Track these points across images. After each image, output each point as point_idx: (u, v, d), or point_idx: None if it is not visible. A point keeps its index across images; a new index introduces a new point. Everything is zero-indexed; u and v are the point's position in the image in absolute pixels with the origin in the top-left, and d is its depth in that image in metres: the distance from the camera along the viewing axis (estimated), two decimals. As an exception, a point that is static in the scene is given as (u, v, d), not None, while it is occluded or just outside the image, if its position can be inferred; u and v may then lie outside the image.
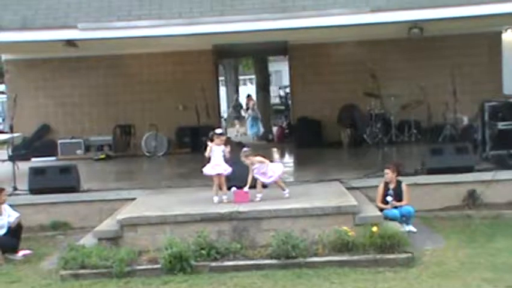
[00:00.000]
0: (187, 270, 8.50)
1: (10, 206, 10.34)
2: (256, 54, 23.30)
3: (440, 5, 11.04)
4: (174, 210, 9.74)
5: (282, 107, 29.15)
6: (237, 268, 8.58)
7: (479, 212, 11.24)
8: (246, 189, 10.03)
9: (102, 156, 17.76)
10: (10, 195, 11.19)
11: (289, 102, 22.81)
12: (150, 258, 8.86)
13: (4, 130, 24.68)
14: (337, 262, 8.56)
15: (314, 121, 18.25)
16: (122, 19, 11.48)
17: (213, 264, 8.65)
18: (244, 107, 29.49)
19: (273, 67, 32.20)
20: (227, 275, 8.43)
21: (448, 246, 9.38)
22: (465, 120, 16.18)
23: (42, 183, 12.05)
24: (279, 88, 35.10)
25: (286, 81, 28.60)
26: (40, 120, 19.06)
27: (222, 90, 30.58)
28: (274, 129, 23.35)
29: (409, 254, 8.65)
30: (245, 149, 10.45)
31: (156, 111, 18.58)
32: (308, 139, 17.76)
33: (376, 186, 10.83)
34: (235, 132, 27.14)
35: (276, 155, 17.60)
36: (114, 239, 9.43)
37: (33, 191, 12.06)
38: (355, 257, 8.62)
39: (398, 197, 10.47)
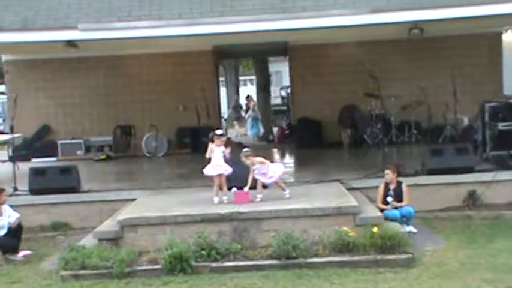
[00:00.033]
0: (187, 271, 8.51)
1: (10, 206, 10.34)
2: (256, 54, 23.29)
3: (441, 5, 11.04)
4: (174, 210, 9.74)
5: (284, 108, 29.14)
6: (237, 269, 8.59)
7: (479, 212, 11.25)
8: (246, 189, 10.03)
9: (103, 156, 17.76)
10: (10, 195, 11.20)
11: (291, 102, 22.78)
12: (150, 259, 8.87)
13: (4, 131, 24.69)
14: (337, 263, 8.57)
15: (314, 122, 18.25)
16: (122, 20, 11.49)
17: (214, 264, 8.65)
18: (244, 107, 29.47)
19: (273, 68, 32.18)
20: (227, 275, 8.43)
21: (448, 247, 9.38)
22: (465, 120, 16.19)
23: (43, 183, 12.05)
24: (281, 89, 35.05)
25: (286, 81, 28.61)
26: (40, 121, 19.06)
27: (223, 91, 30.54)
28: (275, 129, 23.36)
29: (410, 255, 8.65)
30: (245, 149, 10.46)
31: (157, 112, 18.58)
32: (308, 140, 17.76)
33: (377, 187, 10.83)
34: (235, 133, 27.13)
35: (276, 156, 17.60)
36: (114, 240, 9.44)
37: (33, 191, 12.06)
38: (356, 258, 8.63)
39: (398, 197, 10.47)
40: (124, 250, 8.96)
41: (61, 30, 11.44)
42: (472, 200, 11.68)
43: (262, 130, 24.09)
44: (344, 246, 8.79)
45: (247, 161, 10.07)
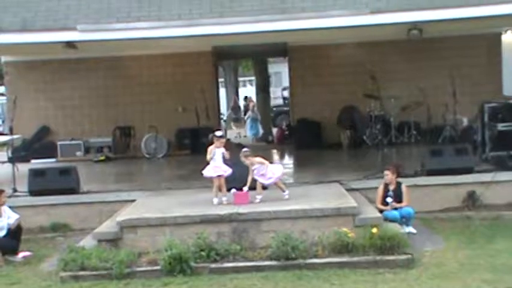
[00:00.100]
0: (187, 272, 8.51)
1: (10, 207, 10.33)
2: (255, 55, 23.29)
3: (440, 6, 11.04)
4: (173, 211, 9.74)
5: (286, 108, 29.22)
6: (236, 270, 8.59)
7: (478, 213, 11.25)
8: (245, 188, 10.03)
9: (102, 157, 17.76)
10: (10, 196, 11.18)
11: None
12: (149, 260, 8.87)
13: (4, 132, 24.68)
14: (337, 263, 8.57)
15: (314, 122, 18.25)
16: (121, 21, 11.48)
17: (213, 265, 8.65)
18: (242, 108, 29.50)
19: (272, 68, 32.19)
20: (227, 276, 8.43)
21: (447, 248, 9.38)
22: (465, 121, 16.19)
23: (42, 184, 12.05)
24: (283, 89, 35.14)
25: (286, 82, 28.63)
26: (40, 122, 19.06)
27: (222, 92, 30.55)
28: (274, 130, 23.36)
29: (409, 255, 8.66)
30: (245, 149, 10.47)
31: (156, 113, 18.58)
32: (308, 140, 17.76)
33: (376, 188, 10.83)
34: (234, 133, 27.13)
35: (275, 157, 17.60)
36: (113, 241, 9.44)
37: (32, 192, 12.06)
38: (355, 259, 8.63)
39: (398, 198, 10.48)
40: (123, 251, 8.96)
41: (60, 31, 11.43)
42: (472, 200, 11.68)
43: (261, 131, 24.09)
44: (343, 247, 8.80)
45: (247, 161, 10.07)
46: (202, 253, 8.71)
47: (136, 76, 18.79)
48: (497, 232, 10.11)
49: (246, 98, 33.98)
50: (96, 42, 11.98)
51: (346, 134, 17.70)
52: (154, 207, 10.22)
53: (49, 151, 18.09)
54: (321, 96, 18.25)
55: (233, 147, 14.05)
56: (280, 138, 21.20)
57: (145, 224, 9.48)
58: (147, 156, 17.85)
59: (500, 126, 12.89)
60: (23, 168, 13.17)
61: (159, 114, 18.51)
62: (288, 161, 17.41)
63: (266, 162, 10.20)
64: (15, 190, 12.13)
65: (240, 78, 41.05)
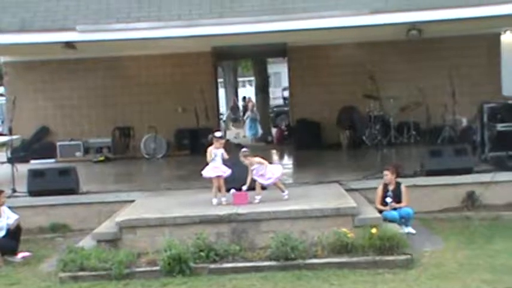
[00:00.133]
0: (186, 272, 8.50)
1: (9, 208, 10.33)
2: (255, 56, 23.31)
3: (439, 6, 11.04)
4: (173, 212, 9.74)
5: (286, 108, 29.28)
6: (236, 270, 8.58)
7: (478, 213, 11.25)
8: (244, 188, 10.03)
9: (101, 158, 17.76)
10: (9, 197, 11.17)
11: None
12: (149, 261, 8.86)
13: (3, 132, 24.68)
14: (336, 264, 8.56)
15: (313, 123, 18.25)
16: (120, 21, 11.47)
17: (212, 266, 8.65)
18: (241, 108, 29.55)
19: (272, 69, 32.23)
20: (226, 277, 8.43)
21: (447, 248, 9.38)
22: (464, 121, 16.20)
23: (41, 185, 12.04)
24: (283, 89, 35.19)
25: (285, 83, 28.65)
26: (39, 123, 19.06)
27: (221, 92, 30.59)
28: (274, 131, 23.36)
29: (408, 256, 8.65)
30: (244, 149, 10.48)
31: (155, 113, 18.59)
32: (307, 141, 17.76)
33: (375, 188, 10.83)
34: (233, 134, 27.15)
35: (275, 157, 17.60)
36: (113, 241, 9.43)
37: (32, 193, 12.05)
38: (354, 259, 8.62)
39: (397, 198, 10.48)
40: (123, 251, 8.95)
41: (59, 31, 11.42)
42: (471, 201, 11.68)
43: (260, 131, 24.09)
44: (343, 247, 8.79)
45: (246, 161, 10.07)
46: (202, 253, 8.70)
47: (135, 76, 18.79)
48: (497, 232, 10.11)
49: (244, 98, 34.03)
50: (95, 43, 11.97)
51: (345, 134, 17.71)
52: (153, 208, 10.21)
53: (48, 151, 18.08)
54: (320, 96, 18.25)
55: (232, 148, 14.04)
56: (280, 139, 21.21)
57: (144, 225, 9.48)
58: (146, 156, 17.85)
59: (500, 127, 12.89)
60: (22, 168, 13.16)
61: (158, 114, 18.52)
62: (288, 161, 17.40)
63: (265, 162, 10.19)
64: (14, 190, 12.13)
65: (240, 79, 41.10)
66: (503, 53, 17.68)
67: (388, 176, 10.61)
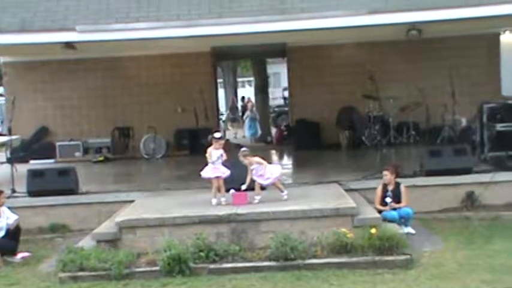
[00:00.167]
0: (186, 273, 8.50)
1: (9, 208, 10.32)
2: (254, 56, 23.28)
3: (439, 6, 11.04)
4: (172, 212, 9.74)
5: (286, 108, 29.34)
6: (235, 270, 8.58)
7: (477, 213, 11.25)
8: (243, 187, 10.03)
9: (101, 158, 17.75)
10: (8, 197, 11.17)
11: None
12: (148, 261, 8.86)
13: (2, 132, 24.65)
14: (335, 264, 8.56)
15: (313, 123, 18.25)
16: (120, 21, 11.47)
17: (212, 266, 8.64)
18: (240, 109, 29.57)
19: (271, 69, 32.23)
20: (226, 277, 8.42)
21: (446, 248, 9.38)
22: (463, 121, 16.20)
23: (41, 185, 12.04)
24: (283, 89, 35.24)
25: (284, 83, 28.66)
26: (38, 123, 19.06)
27: (221, 93, 30.59)
28: (273, 131, 23.36)
29: (408, 256, 8.65)
30: (243, 148, 10.49)
31: (155, 114, 18.59)
32: (306, 141, 17.76)
33: (375, 188, 10.83)
34: (232, 134, 27.17)
35: (274, 157, 17.60)
36: (112, 241, 9.43)
37: (31, 193, 12.05)
38: (354, 259, 8.62)
39: (397, 198, 10.48)
40: (122, 252, 8.95)
41: (59, 31, 11.43)
42: (470, 201, 11.69)
43: (259, 131, 24.10)
44: (342, 248, 8.79)
45: (245, 161, 10.07)
46: (201, 254, 8.70)
47: (135, 77, 18.79)
48: (496, 232, 10.11)
49: (243, 98, 34.05)
50: (95, 43, 11.98)
51: (345, 135, 17.70)
52: (153, 208, 10.21)
53: (48, 152, 18.08)
54: (319, 96, 18.25)
55: (232, 148, 14.04)
56: (279, 139, 21.20)
57: (144, 225, 9.48)
58: (145, 156, 17.85)
59: (499, 127, 12.89)
60: (22, 168, 13.16)
61: (157, 114, 18.52)
62: (287, 161, 17.40)
63: (264, 162, 10.19)
64: (14, 191, 12.12)
65: (239, 79, 41.09)
66: (503, 53, 17.68)
67: (388, 176, 10.61)
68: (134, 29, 11.36)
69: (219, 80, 28.43)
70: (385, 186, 10.63)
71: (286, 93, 33.04)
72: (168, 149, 18.16)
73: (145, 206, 10.56)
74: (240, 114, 29.52)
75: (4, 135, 19.43)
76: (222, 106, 30.69)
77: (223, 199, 10.06)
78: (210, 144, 10.19)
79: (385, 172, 10.68)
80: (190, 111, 17.87)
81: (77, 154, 18.19)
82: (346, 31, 12.05)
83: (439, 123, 16.47)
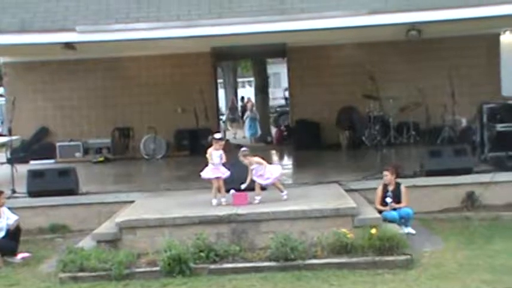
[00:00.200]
0: (186, 273, 8.50)
1: (9, 208, 10.31)
2: (254, 56, 23.29)
3: (438, 7, 11.04)
4: (172, 212, 9.74)
5: (288, 109, 29.37)
6: (236, 270, 8.58)
7: (477, 213, 11.25)
8: (243, 186, 10.03)
9: (101, 159, 17.75)
10: (9, 198, 11.17)
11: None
12: (149, 261, 8.86)
13: (3, 133, 24.65)
14: (336, 264, 8.56)
15: (313, 123, 18.26)
16: (120, 22, 11.47)
17: (212, 266, 8.64)
18: (239, 109, 29.54)
19: (271, 69, 32.25)
20: (226, 277, 8.42)
21: (446, 248, 9.38)
22: (463, 122, 16.20)
23: (41, 186, 12.04)
24: (285, 90, 35.28)
25: (284, 83, 28.65)
26: (39, 123, 19.05)
27: (221, 93, 30.59)
28: (273, 131, 23.36)
29: (408, 256, 8.65)
30: (243, 148, 10.49)
31: (155, 114, 18.59)
32: (307, 141, 17.77)
33: (375, 188, 10.83)
34: (232, 134, 27.17)
35: (274, 157, 17.60)
36: (113, 242, 9.43)
37: (31, 193, 12.05)
38: (354, 259, 8.62)
39: (397, 198, 10.48)
40: (122, 252, 8.94)
41: (59, 32, 11.43)
42: (471, 201, 11.69)
43: (259, 131, 24.10)
44: (342, 248, 8.79)
45: (245, 161, 10.08)
46: (202, 254, 8.70)
47: (135, 77, 18.79)
48: (496, 233, 10.11)
49: (242, 98, 34.05)
50: (94, 43, 11.98)
51: (345, 135, 17.71)
52: (153, 208, 10.21)
53: (48, 152, 18.08)
54: (320, 96, 18.25)
55: (232, 148, 14.05)
56: (279, 139, 21.21)
57: (144, 225, 9.48)
58: (146, 157, 17.85)
59: (499, 127, 12.90)
60: (22, 169, 13.17)
61: (158, 115, 18.52)
62: (287, 161, 17.40)
63: (264, 162, 10.19)
64: (14, 191, 12.12)
65: (239, 79, 41.06)
66: (503, 54, 17.67)
67: (388, 176, 10.61)
68: (134, 29, 11.36)
69: (219, 81, 28.42)
70: (385, 186, 10.63)
71: (287, 94, 33.14)
72: (168, 149, 18.16)
73: (145, 206, 10.56)
74: (240, 114, 29.50)
75: (4, 135, 19.42)
76: (223, 106, 30.68)
77: (223, 199, 10.06)
78: (210, 145, 10.19)
79: (385, 172, 10.68)
80: (191, 111, 17.87)
81: (77, 154, 18.20)
82: (346, 31, 12.06)
83: (439, 124, 16.47)
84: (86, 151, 18.38)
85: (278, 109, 32.18)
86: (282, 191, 10.22)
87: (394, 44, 16.12)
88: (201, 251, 8.72)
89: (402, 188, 10.64)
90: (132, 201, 11.24)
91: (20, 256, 9.93)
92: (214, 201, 10.06)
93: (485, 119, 13.24)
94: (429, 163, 12.06)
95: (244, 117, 26.57)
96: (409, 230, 10.20)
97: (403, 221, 10.25)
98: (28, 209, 11.56)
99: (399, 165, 11.43)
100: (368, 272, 8.37)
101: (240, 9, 11.46)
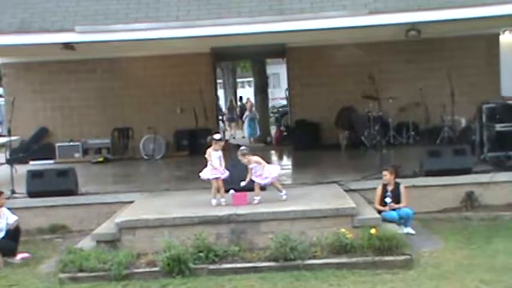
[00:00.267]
0: (185, 273, 8.50)
1: (8, 209, 10.31)
2: (254, 56, 23.28)
3: (438, 7, 11.05)
4: (172, 213, 9.73)
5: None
6: (235, 271, 8.58)
7: (477, 213, 11.27)
8: (242, 184, 10.03)
9: (100, 159, 17.76)
10: (8, 198, 11.18)
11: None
12: (148, 261, 8.86)
13: (2, 133, 24.64)
14: (335, 264, 8.56)
15: (312, 123, 18.26)
16: (119, 22, 11.47)
17: (212, 267, 8.64)
18: (238, 109, 29.52)
19: (271, 69, 32.22)
20: (225, 277, 8.43)
21: (446, 248, 9.38)
22: (463, 122, 16.22)
23: (40, 186, 12.04)
24: (286, 90, 35.30)
25: (284, 83, 28.64)
26: (38, 123, 19.05)
27: (220, 93, 30.59)
28: (273, 132, 23.35)
29: (408, 256, 8.65)
30: (242, 147, 10.50)
31: (154, 114, 18.58)
32: (306, 141, 17.77)
33: (375, 189, 10.83)
34: (230, 134, 27.16)
35: (274, 158, 17.59)
36: (112, 242, 9.43)
37: (31, 194, 12.05)
38: (354, 259, 8.62)
39: (396, 199, 10.48)
40: (122, 252, 8.94)
41: (58, 32, 11.42)
42: (470, 201, 11.69)
43: (258, 131, 24.09)
44: (342, 248, 8.79)
45: (244, 160, 10.08)
46: (201, 254, 8.71)
47: (134, 77, 18.77)
48: (496, 232, 10.11)
49: (241, 98, 34.05)
50: (94, 44, 11.98)
51: (344, 135, 17.70)
52: (152, 209, 10.21)
53: (47, 152, 18.08)
54: (319, 96, 18.25)
55: (232, 148, 14.05)
56: (279, 139, 21.20)
57: (143, 225, 9.48)
58: (145, 157, 17.85)
59: (498, 127, 12.91)
60: (22, 169, 13.18)
61: (157, 115, 18.51)
62: (287, 161, 17.40)
63: (263, 162, 10.19)
64: (13, 192, 12.12)
65: (238, 79, 41.05)
66: (503, 53, 17.69)
67: (387, 176, 10.61)
68: (133, 29, 11.35)
69: (219, 81, 28.42)
70: (384, 186, 10.63)
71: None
72: (168, 149, 18.17)
73: (144, 206, 10.56)
74: (239, 114, 29.50)
75: (4, 136, 19.40)
76: (222, 107, 30.68)
77: (223, 200, 10.06)
78: (210, 145, 10.19)
79: (384, 172, 10.69)
80: (190, 111, 17.87)
81: (77, 155, 18.20)
82: (345, 31, 12.06)
83: (438, 124, 16.48)
84: (86, 151, 18.39)
85: (280, 109, 32.12)
86: (280, 191, 10.22)
87: (394, 44, 16.13)
88: (200, 251, 8.72)
89: (402, 188, 10.64)
90: (131, 202, 11.23)
91: (19, 256, 9.92)
92: (214, 202, 10.06)
93: (484, 119, 13.24)
94: (428, 163, 12.07)
95: (244, 117, 26.56)
96: (409, 230, 10.21)
97: (403, 221, 10.26)
98: (28, 210, 11.56)
99: (399, 166, 11.47)
100: (367, 272, 8.38)
101: (239, 10, 11.45)
